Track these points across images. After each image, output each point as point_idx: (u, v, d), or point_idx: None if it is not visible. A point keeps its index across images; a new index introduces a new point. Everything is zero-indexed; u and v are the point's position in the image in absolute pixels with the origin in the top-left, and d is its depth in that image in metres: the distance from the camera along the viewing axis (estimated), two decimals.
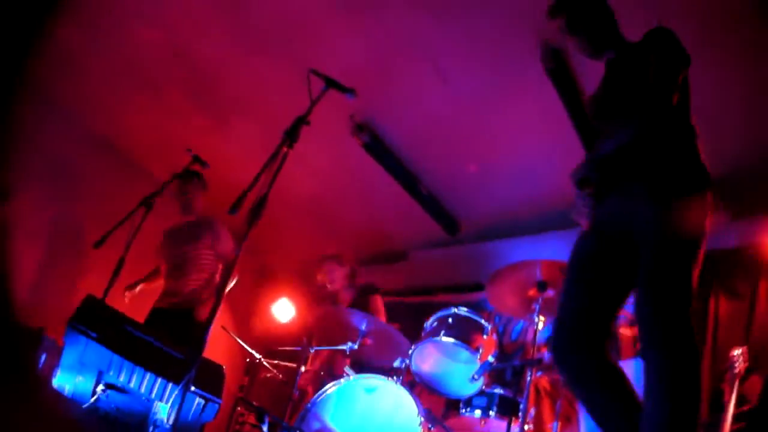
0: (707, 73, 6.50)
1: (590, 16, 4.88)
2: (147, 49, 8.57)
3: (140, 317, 7.02)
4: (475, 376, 6.65)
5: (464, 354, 6.74)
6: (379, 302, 8.84)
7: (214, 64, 8.71)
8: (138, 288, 8.08)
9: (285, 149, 4.81)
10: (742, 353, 6.68)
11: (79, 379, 5.03)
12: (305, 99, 4.98)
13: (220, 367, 5.38)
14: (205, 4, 7.68)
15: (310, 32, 7.83)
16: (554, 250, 8.04)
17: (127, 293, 7.50)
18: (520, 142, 7.95)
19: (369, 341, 7.16)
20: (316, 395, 6.57)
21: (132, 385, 4.89)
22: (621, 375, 4.51)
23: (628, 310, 7.90)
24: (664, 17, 4.69)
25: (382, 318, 8.47)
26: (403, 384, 6.38)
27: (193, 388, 4.79)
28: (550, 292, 6.72)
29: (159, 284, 8.25)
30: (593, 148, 4.81)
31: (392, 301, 8.95)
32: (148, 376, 4.90)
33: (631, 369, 7.45)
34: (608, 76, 4.96)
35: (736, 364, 6.64)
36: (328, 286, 8.77)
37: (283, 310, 11.81)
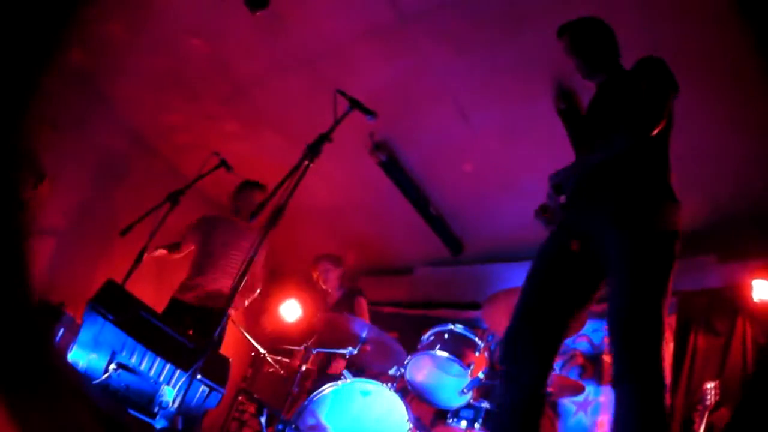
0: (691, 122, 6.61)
1: (590, 39, 5.02)
2: (191, 57, 8.63)
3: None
4: (465, 390, 6.69)
5: (456, 368, 6.75)
6: (363, 304, 8.92)
7: (250, 77, 8.78)
8: (157, 252, 7.97)
9: (306, 162, 4.88)
10: (714, 387, 6.76)
11: (93, 356, 5.07)
12: (329, 116, 5.05)
13: (226, 359, 5.45)
14: (249, 23, 7.69)
15: (340, 55, 7.91)
16: None
17: (146, 255, 7.48)
18: (528, 174, 7.94)
19: (368, 348, 7.19)
20: (314, 393, 6.58)
21: (142, 367, 4.96)
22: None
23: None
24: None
25: (366, 319, 8.49)
26: (396, 391, 6.39)
27: (199, 376, 4.83)
28: None
29: (174, 258, 8.24)
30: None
31: (394, 311, 8.99)
32: (158, 360, 4.98)
33: (611, 396, 7.49)
34: (597, 98, 5.05)
35: (708, 397, 6.72)
36: (321, 284, 8.80)
37: (291, 311, 11.84)
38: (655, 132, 4.33)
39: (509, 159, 8.36)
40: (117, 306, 5.08)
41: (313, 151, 4.91)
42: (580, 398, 7.98)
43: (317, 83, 8.16)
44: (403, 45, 7.58)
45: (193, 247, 8.24)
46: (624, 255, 4.10)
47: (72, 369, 5.03)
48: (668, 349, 7.85)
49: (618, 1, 6.28)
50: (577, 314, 4.51)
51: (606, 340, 8.46)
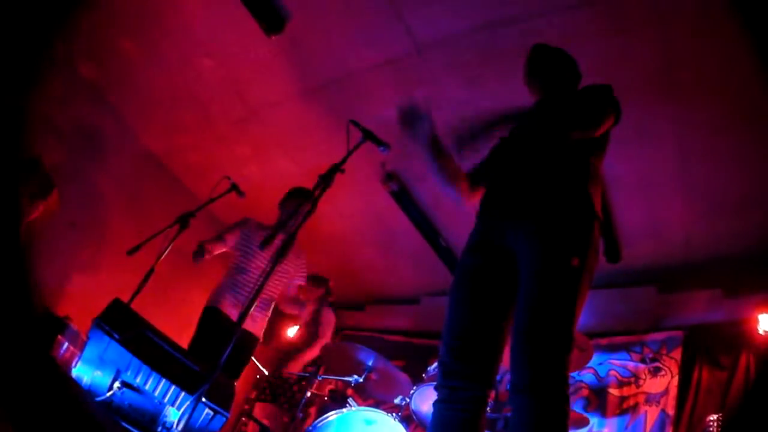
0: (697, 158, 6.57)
1: (545, 62, 5.08)
2: (204, 77, 8.65)
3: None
4: None
5: None
6: (330, 316, 9.06)
7: (263, 101, 8.77)
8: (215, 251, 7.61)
9: (318, 192, 4.82)
10: (716, 419, 6.69)
11: (98, 373, 5.02)
12: (342, 144, 4.98)
13: (231, 383, 5.37)
14: (265, 46, 7.77)
15: (355, 83, 7.92)
16: None
17: (207, 255, 7.28)
18: None
19: (374, 377, 7.14)
20: (318, 419, 6.49)
21: (147, 387, 4.89)
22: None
23: (618, 371, 7.92)
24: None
25: (330, 330, 8.71)
26: (400, 420, 6.33)
27: (204, 399, 4.74)
28: None
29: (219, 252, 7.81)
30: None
31: (400, 340, 8.94)
32: (163, 381, 4.91)
33: (615, 427, 7.43)
34: (532, 112, 5.00)
35: (711, 430, 6.65)
36: (300, 296, 8.75)
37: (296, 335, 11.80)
38: (589, 132, 4.35)
39: None
40: (123, 325, 5.03)
41: (325, 181, 4.85)
42: (584, 430, 7.85)
43: (331, 110, 8.22)
44: (419, 75, 7.59)
45: (230, 252, 7.82)
46: (535, 269, 3.95)
47: (73, 382, 5.01)
48: (673, 382, 8.10)
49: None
50: (506, 329, 4.17)
51: (612, 374, 8.43)
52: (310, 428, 6.44)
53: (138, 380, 4.90)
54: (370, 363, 7.03)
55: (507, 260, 4.20)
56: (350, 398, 7.00)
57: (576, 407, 8.43)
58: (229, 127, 9.31)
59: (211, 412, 4.90)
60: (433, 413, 4.03)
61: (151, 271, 6.79)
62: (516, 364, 3.76)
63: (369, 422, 6.37)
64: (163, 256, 6.88)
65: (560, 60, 5.10)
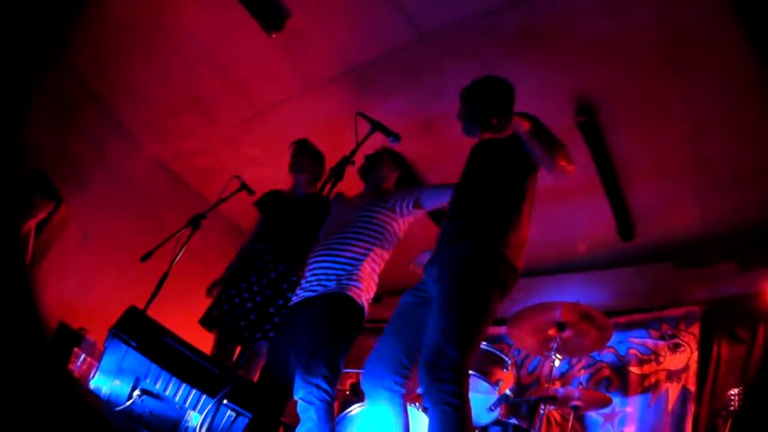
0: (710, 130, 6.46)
1: (476, 102, 5.36)
2: (209, 80, 8.56)
3: None
4: (492, 407, 6.59)
5: (484, 386, 6.64)
6: None
7: (269, 100, 8.68)
8: None
9: (329, 186, 4.74)
10: (737, 393, 6.61)
11: (116, 382, 4.96)
12: (351, 138, 4.96)
13: (254, 384, 5.35)
14: (267, 45, 7.69)
15: (361, 76, 7.84)
16: (571, 291, 7.98)
17: None
18: (549, 188, 7.84)
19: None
20: (341, 414, 6.40)
21: (167, 393, 4.84)
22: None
23: (638, 349, 7.80)
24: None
25: None
26: (423, 410, 6.21)
27: (225, 401, 4.71)
28: (567, 333, 6.72)
29: None
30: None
31: None
32: (183, 386, 4.87)
33: (638, 405, 7.29)
34: (468, 162, 5.26)
35: (732, 403, 6.59)
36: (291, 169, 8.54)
37: None
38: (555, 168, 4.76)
39: None
40: (140, 332, 4.98)
41: (336, 174, 4.77)
42: (607, 410, 7.82)
43: (337, 104, 8.11)
44: (423, 64, 7.50)
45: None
46: (437, 298, 4.43)
47: (91, 393, 4.93)
48: (693, 357, 7.99)
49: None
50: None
51: (632, 352, 8.33)
52: (337, 421, 6.33)
53: (158, 387, 4.85)
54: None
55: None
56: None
57: (598, 388, 8.40)
58: (236, 129, 9.24)
59: (234, 414, 4.86)
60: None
61: (166, 275, 6.66)
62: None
63: None
64: (176, 260, 6.74)
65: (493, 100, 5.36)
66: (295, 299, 5.71)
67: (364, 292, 5.64)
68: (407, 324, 4.75)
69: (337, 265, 5.55)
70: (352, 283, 5.50)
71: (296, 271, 6.44)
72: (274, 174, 8.33)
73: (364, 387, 4.73)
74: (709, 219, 8.20)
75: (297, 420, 5.12)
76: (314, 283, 5.58)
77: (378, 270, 5.84)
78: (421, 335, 4.47)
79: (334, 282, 5.48)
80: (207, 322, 6.88)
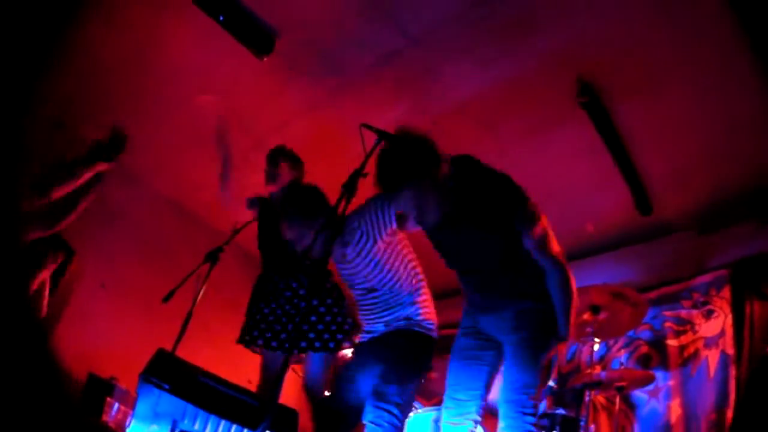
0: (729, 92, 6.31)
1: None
2: (206, 115, 8.43)
3: None
4: None
5: None
6: None
7: (269, 125, 8.62)
8: None
9: (344, 203, 4.56)
10: None
11: (154, 428, 4.81)
12: (357, 152, 4.78)
13: (293, 411, 5.15)
14: (259, 70, 7.65)
15: (358, 88, 7.77)
16: (598, 274, 7.85)
17: None
18: (562, 175, 7.72)
19: (434, 375, 6.92)
20: None
21: (207, 431, 4.68)
22: None
23: (673, 322, 7.64)
24: None
25: None
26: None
27: None
28: (602, 315, 6.68)
29: None
30: None
31: (453, 333, 8.79)
32: (222, 423, 4.72)
33: (680, 377, 7.11)
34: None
35: None
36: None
37: None
38: None
39: (540, 164, 8.10)
40: (171, 374, 4.82)
41: (348, 190, 4.56)
42: (650, 387, 7.72)
43: (339, 120, 8.00)
44: (421, 68, 7.43)
45: None
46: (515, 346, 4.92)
47: None
48: (727, 321, 7.86)
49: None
50: None
51: (667, 325, 8.19)
52: None
53: (197, 427, 4.70)
54: (449, 369, 6.74)
55: None
56: (414, 403, 6.77)
57: (637, 366, 8.26)
58: (240, 158, 8.92)
59: None
60: None
61: (190, 314, 6.53)
62: None
63: (438, 420, 6.14)
64: (199, 297, 6.61)
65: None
66: (365, 337, 5.76)
67: (430, 317, 5.70)
68: (481, 364, 5.09)
69: (393, 301, 5.58)
70: (417, 313, 5.59)
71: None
72: None
73: (451, 417, 5.01)
74: (723, 182, 8.08)
75: None
76: (378, 322, 5.65)
77: (426, 288, 5.85)
78: (493, 375, 5.07)
79: (400, 319, 5.56)
80: (247, 340, 6.72)
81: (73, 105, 8.02)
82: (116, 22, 7.47)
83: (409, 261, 5.73)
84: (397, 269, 5.59)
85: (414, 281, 5.66)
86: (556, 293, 4.76)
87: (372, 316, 5.67)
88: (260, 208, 7.30)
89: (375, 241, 5.50)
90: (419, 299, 5.61)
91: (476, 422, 4.97)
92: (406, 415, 5.23)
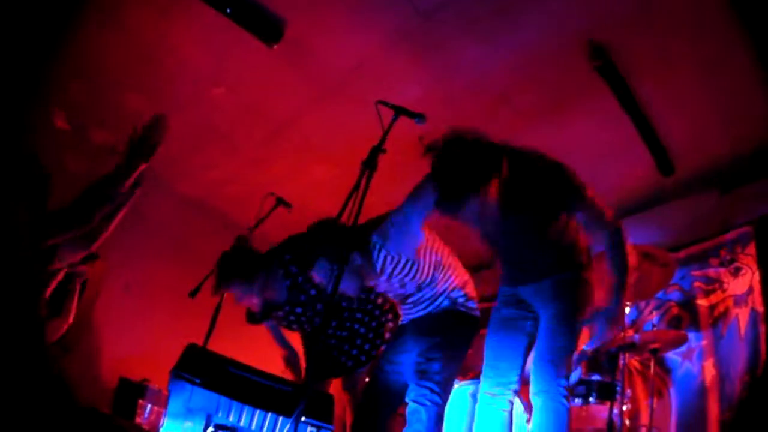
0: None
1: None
2: (219, 108, 8.48)
3: None
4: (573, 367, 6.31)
5: None
6: None
7: (284, 114, 8.54)
8: None
9: (365, 179, 4.55)
10: None
11: (188, 424, 4.73)
12: (374, 132, 4.78)
13: (328, 395, 5.19)
14: (270, 59, 7.55)
15: (371, 68, 7.64)
16: (630, 235, 7.78)
17: None
18: (583, 142, 7.61)
19: (470, 350, 6.83)
20: None
21: (242, 423, 4.63)
22: None
23: (702, 281, 7.51)
24: None
25: None
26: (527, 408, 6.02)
27: (303, 419, 4.51)
28: (632, 277, 6.38)
29: None
30: None
31: (484, 307, 8.74)
32: (257, 412, 4.66)
33: (711, 337, 7.09)
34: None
35: None
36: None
37: None
38: None
39: (557, 134, 7.96)
40: (202, 368, 4.76)
41: (369, 166, 4.59)
42: (683, 348, 7.64)
43: (353, 102, 7.80)
44: (430, 44, 7.27)
45: None
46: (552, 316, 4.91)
47: None
48: (755, 278, 7.73)
49: None
50: None
51: (696, 285, 8.08)
52: None
53: (231, 419, 4.63)
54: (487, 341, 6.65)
55: None
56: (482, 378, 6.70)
57: (669, 328, 8.14)
58: (258, 150, 9.13)
59: (315, 429, 4.71)
60: None
61: (219, 306, 6.43)
62: None
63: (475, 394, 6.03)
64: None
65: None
66: (406, 319, 5.65)
67: (470, 294, 5.60)
68: (520, 334, 5.06)
69: (431, 296, 5.46)
70: (458, 296, 5.49)
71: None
72: (305, 184, 8.46)
73: (490, 387, 4.96)
74: (740, 138, 7.96)
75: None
76: (418, 307, 5.52)
77: (458, 265, 5.72)
78: (531, 345, 4.98)
79: (441, 299, 5.44)
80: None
81: (85, 111, 7.98)
82: (121, 25, 7.45)
83: (436, 253, 5.53)
84: (429, 271, 5.43)
85: (446, 273, 5.52)
86: (616, 266, 4.86)
87: (414, 310, 5.56)
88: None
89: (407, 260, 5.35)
90: (454, 284, 5.50)
91: (516, 392, 4.92)
92: (448, 394, 5.12)
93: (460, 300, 5.44)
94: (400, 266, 5.26)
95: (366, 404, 5.51)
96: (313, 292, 6.21)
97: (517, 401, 5.46)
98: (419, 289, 5.44)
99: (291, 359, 6.68)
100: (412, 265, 5.29)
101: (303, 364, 6.61)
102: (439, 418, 4.97)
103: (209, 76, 8.00)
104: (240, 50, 7.46)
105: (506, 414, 4.88)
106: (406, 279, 5.35)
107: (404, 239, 5.20)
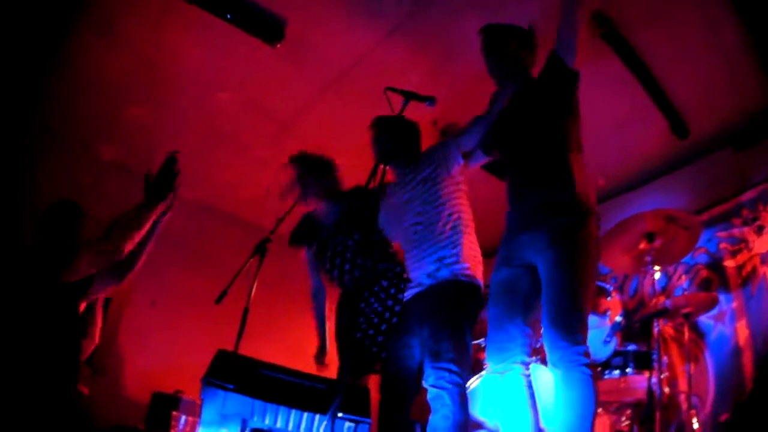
0: None
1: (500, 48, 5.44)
2: (225, 111, 8.43)
3: None
4: (608, 339, 6.44)
5: (594, 320, 6.37)
6: None
7: (290, 111, 8.49)
8: None
9: (382, 167, 4.57)
10: None
11: (223, 431, 4.60)
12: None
13: (364, 389, 5.20)
14: (272, 59, 7.47)
15: (373, 59, 7.52)
16: (647, 204, 7.70)
17: None
18: (596, 111, 7.43)
19: None
20: None
21: (279, 425, 4.57)
22: None
23: (727, 242, 7.39)
24: None
25: None
26: (541, 362, 5.86)
27: (340, 414, 4.53)
28: (658, 242, 6.53)
29: None
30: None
31: None
32: (293, 413, 4.61)
33: (742, 298, 7.29)
34: (511, 107, 5.33)
35: None
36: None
37: None
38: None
39: None
40: (233, 373, 4.71)
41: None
42: (714, 311, 7.48)
43: (359, 95, 7.70)
44: (431, 30, 7.19)
45: None
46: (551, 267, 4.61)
47: None
48: None
49: None
50: None
51: (722, 246, 7.95)
52: None
53: (267, 422, 4.56)
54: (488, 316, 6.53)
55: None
56: (485, 361, 6.58)
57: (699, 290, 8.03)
58: (267, 149, 9.01)
59: (353, 424, 4.69)
60: None
61: (247, 310, 6.27)
62: None
63: None
64: (253, 292, 6.28)
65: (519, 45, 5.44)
66: (408, 294, 5.51)
67: (474, 267, 5.35)
68: (516, 296, 4.71)
69: (434, 255, 5.30)
70: (459, 265, 5.23)
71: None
72: None
73: (494, 365, 4.66)
74: (751, 94, 7.78)
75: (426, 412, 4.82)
76: (421, 277, 5.34)
77: (473, 237, 5.55)
78: (532, 304, 4.61)
79: (442, 270, 5.23)
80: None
81: (89, 126, 7.90)
82: (117, 38, 7.41)
83: (470, 233, 5.52)
84: (458, 228, 5.40)
85: (460, 227, 5.42)
86: None
87: (413, 261, 5.47)
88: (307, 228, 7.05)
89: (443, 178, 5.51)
90: (461, 243, 5.35)
91: (524, 364, 4.59)
92: (466, 369, 4.92)
93: (458, 267, 5.24)
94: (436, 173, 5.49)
95: (388, 392, 5.28)
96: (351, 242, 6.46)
97: (542, 370, 5.41)
98: (428, 222, 5.41)
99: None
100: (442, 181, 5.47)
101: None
102: (463, 398, 4.77)
103: (211, 79, 7.93)
104: (241, 50, 7.36)
105: (523, 389, 4.55)
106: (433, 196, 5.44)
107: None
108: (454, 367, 4.75)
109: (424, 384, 4.85)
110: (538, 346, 5.71)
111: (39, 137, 8.69)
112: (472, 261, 5.31)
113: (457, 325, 5.00)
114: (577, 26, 4.80)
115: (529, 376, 4.59)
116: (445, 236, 5.31)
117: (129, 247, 4.87)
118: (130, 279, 5.49)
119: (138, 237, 4.94)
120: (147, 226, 5.00)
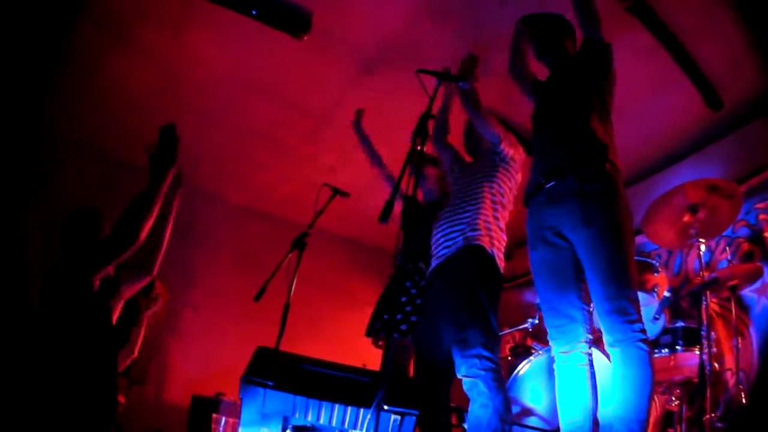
0: None
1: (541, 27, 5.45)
2: (260, 109, 8.29)
3: None
4: (657, 316, 6.31)
5: (643, 296, 6.16)
6: None
7: (325, 104, 8.32)
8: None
9: (418, 149, 4.31)
10: None
11: (264, 430, 4.47)
12: (416, 107, 4.64)
13: (409, 379, 5.13)
14: (301, 52, 7.27)
15: (404, 41, 7.28)
16: (691, 173, 7.47)
17: None
18: (627, 86, 7.13)
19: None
20: (510, 378, 5.97)
21: (321, 421, 4.37)
22: None
23: (767, 213, 7.15)
24: None
25: None
26: (592, 344, 5.60)
27: (385, 407, 4.26)
28: (701, 213, 6.30)
29: None
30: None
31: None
32: (336, 408, 4.39)
33: None
34: (548, 85, 5.28)
35: None
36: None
37: None
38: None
39: None
40: (273, 370, 4.50)
41: (420, 134, 4.34)
42: (757, 285, 7.17)
43: (390, 82, 7.62)
44: (453, 8, 6.91)
45: None
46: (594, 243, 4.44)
47: None
48: None
49: None
50: None
51: (762, 218, 7.66)
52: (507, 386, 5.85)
53: (309, 418, 4.38)
54: (538, 300, 6.28)
55: None
56: (533, 346, 6.33)
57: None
58: (303, 144, 8.95)
59: (398, 417, 4.46)
60: None
61: (287, 306, 6.08)
62: None
63: None
64: (293, 288, 6.24)
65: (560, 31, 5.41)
66: (429, 269, 5.35)
67: (493, 240, 5.14)
68: (565, 277, 4.52)
69: (457, 225, 5.16)
70: (476, 233, 5.05)
71: None
72: (356, 172, 8.23)
73: (559, 347, 4.48)
74: None
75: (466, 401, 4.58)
76: (442, 246, 5.18)
77: (503, 218, 5.38)
78: (581, 279, 4.43)
79: (460, 238, 5.06)
80: (372, 333, 6.50)
81: (124, 142, 7.84)
82: (139, 49, 7.39)
83: (500, 213, 5.37)
84: (486, 203, 5.26)
85: (492, 224, 5.23)
86: None
87: (439, 244, 5.28)
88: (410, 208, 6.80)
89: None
90: (483, 226, 5.17)
91: (588, 343, 4.42)
92: (497, 350, 4.72)
93: (475, 234, 5.08)
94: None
95: (425, 382, 5.08)
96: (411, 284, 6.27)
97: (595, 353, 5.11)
98: (463, 202, 5.30)
99: None
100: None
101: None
102: (499, 382, 4.59)
103: (240, 80, 7.81)
104: (267, 47, 7.23)
105: (586, 368, 4.36)
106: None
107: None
108: (484, 352, 4.60)
109: (458, 374, 4.70)
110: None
111: (77, 157, 8.74)
112: (492, 233, 5.18)
113: (479, 306, 4.82)
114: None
115: (591, 355, 4.44)
116: (470, 208, 5.24)
117: (146, 227, 4.64)
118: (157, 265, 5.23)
119: (152, 216, 4.68)
120: (159, 202, 4.74)
